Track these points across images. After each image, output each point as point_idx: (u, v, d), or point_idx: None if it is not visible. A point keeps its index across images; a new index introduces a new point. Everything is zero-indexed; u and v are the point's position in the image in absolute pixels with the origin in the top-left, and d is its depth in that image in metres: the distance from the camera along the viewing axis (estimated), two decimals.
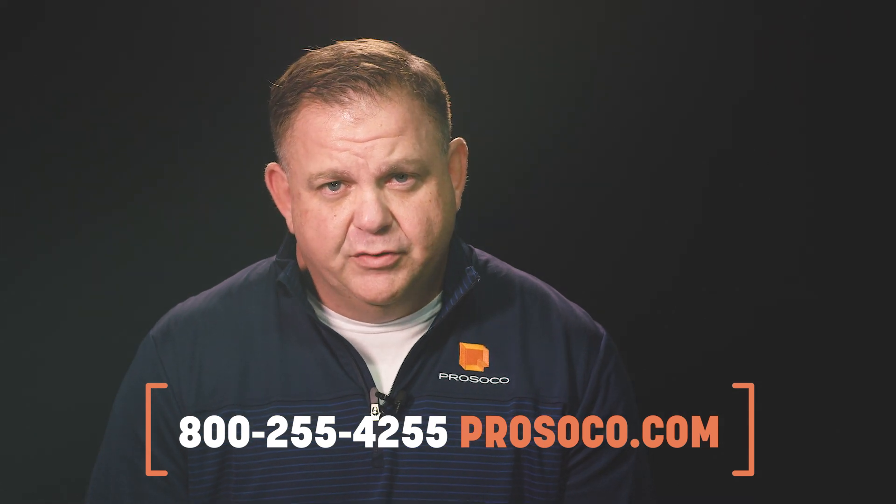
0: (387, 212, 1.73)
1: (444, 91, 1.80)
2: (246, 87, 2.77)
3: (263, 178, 1.85)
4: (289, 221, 1.83)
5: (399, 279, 1.76)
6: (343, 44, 1.78)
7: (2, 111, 2.80)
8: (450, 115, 1.81)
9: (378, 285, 1.75)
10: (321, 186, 1.74)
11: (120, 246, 2.82)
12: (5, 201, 2.81)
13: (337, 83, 1.73)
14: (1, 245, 2.82)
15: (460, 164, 1.83)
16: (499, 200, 2.83)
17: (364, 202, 1.72)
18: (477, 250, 1.91)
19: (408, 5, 2.80)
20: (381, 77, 1.73)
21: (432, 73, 1.79)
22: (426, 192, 1.75)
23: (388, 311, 1.81)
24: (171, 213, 2.82)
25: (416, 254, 1.75)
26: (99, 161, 2.82)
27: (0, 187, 2.81)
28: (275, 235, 1.90)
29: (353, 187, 1.74)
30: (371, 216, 1.72)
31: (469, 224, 1.95)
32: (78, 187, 2.82)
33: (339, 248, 1.75)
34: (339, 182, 1.74)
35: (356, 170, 1.72)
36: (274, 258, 1.87)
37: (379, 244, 1.73)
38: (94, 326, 2.81)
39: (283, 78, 1.79)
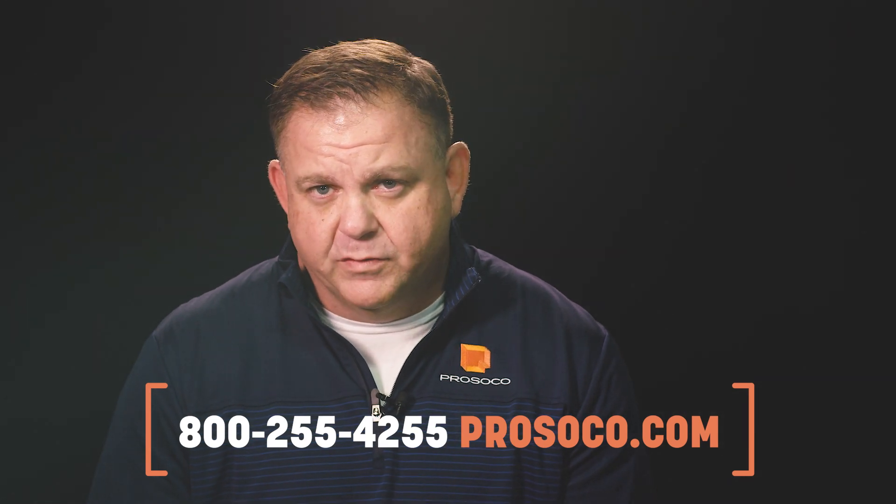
0: (371, 218, 1.73)
1: (442, 96, 1.79)
2: (242, 87, 2.77)
3: (266, 177, 1.85)
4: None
5: (386, 285, 1.75)
6: (343, 45, 1.78)
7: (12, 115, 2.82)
8: (451, 119, 1.81)
9: (364, 291, 1.75)
10: (310, 189, 1.74)
11: (122, 247, 2.82)
12: (9, 209, 2.81)
13: (325, 88, 1.73)
14: (5, 249, 2.82)
15: (461, 167, 1.82)
16: (498, 200, 2.83)
17: (349, 208, 1.72)
18: (479, 251, 1.90)
19: (410, 6, 2.80)
20: (368, 83, 1.72)
21: (429, 78, 1.77)
22: (414, 199, 1.75)
23: (387, 312, 1.80)
24: (174, 214, 2.82)
25: (403, 261, 1.75)
26: (102, 164, 2.82)
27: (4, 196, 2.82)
28: (277, 236, 1.90)
29: (341, 192, 1.74)
30: (354, 222, 1.72)
31: (469, 224, 1.95)
32: (81, 190, 2.82)
33: (327, 252, 1.75)
34: (327, 186, 1.74)
35: (341, 175, 1.72)
36: (276, 259, 1.87)
37: (363, 250, 1.73)
38: (97, 327, 2.81)
39: (282, 78, 1.79)
